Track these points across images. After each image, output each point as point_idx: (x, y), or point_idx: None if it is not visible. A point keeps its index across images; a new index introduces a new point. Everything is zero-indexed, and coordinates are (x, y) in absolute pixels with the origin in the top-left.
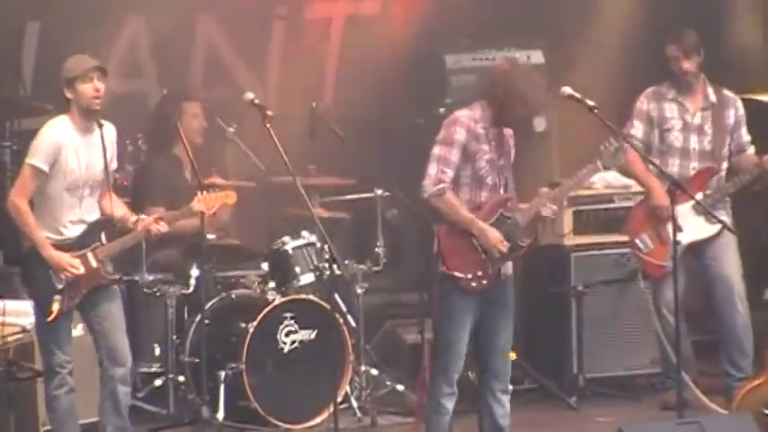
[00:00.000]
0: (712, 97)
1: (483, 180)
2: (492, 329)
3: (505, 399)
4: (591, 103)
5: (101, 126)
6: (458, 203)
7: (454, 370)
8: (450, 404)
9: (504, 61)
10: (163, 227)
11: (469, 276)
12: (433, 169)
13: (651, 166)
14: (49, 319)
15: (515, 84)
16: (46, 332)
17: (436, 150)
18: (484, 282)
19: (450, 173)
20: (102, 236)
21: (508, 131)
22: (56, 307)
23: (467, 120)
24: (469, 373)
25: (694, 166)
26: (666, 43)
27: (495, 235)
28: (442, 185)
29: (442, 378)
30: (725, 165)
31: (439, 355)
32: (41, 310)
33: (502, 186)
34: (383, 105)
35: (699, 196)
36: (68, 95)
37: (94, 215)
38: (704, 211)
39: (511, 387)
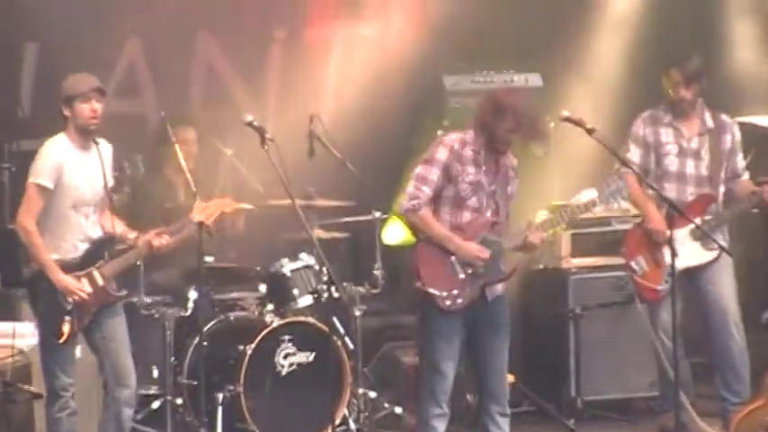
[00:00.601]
0: (709, 122)
1: (464, 202)
2: (485, 352)
3: (504, 422)
4: (589, 126)
5: (97, 144)
6: (433, 220)
7: (441, 391)
8: (440, 425)
9: (499, 88)
10: (165, 239)
11: (444, 294)
12: (410, 187)
13: (650, 191)
14: (61, 340)
15: (505, 112)
16: (50, 356)
17: (417, 169)
18: (459, 301)
19: (426, 190)
20: (106, 254)
21: (510, 161)
22: (66, 328)
23: (452, 141)
24: (468, 396)
25: (691, 191)
26: (670, 65)
27: (473, 246)
28: (415, 201)
29: (430, 399)
30: (722, 189)
31: (425, 377)
32: (51, 332)
33: (490, 210)
34: (382, 127)
35: (697, 221)
36: (66, 113)
37: (98, 233)
38: (702, 236)
39: (509, 410)
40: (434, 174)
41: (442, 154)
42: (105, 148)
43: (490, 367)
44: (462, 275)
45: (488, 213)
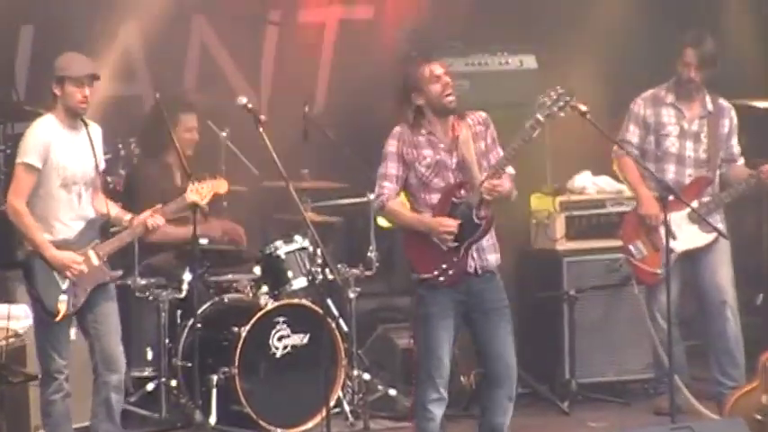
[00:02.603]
0: (709, 106)
1: (429, 184)
2: (485, 335)
3: (509, 406)
4: (583, 108)
5: (86, 125)
6: (400, 210)
7: (438, 375)
8: (438, 409)
9: (410, 69)
10: (159, 219)
11: (436, 272)
12: (376, 188)
13: (646, 172)
14: (57, 319)
15: (409, 79)
16: (45, 337)
17: (379, 169)
18: (450, 272)
19: (388, 185)
20: (100, 234)
21: (475, 116)
22: (62, 307)
23: (400, 130)
24: (462, 378)
25: (690, 173)
26: (684, 44)
27: (437, 220)
28: (380, 199)
29: (427, 383)
30: (718, 173)
31: (421, 361)
32: (47, 311)
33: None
34: (375, 109)
35: (694, 204)
36: (56, 92)
37: (91, 213)
38: (699, 219)
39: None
40: (391, 167)
41: (391, 146)
42: (95, 129)
43: (490, 351)
44: (445, 247)
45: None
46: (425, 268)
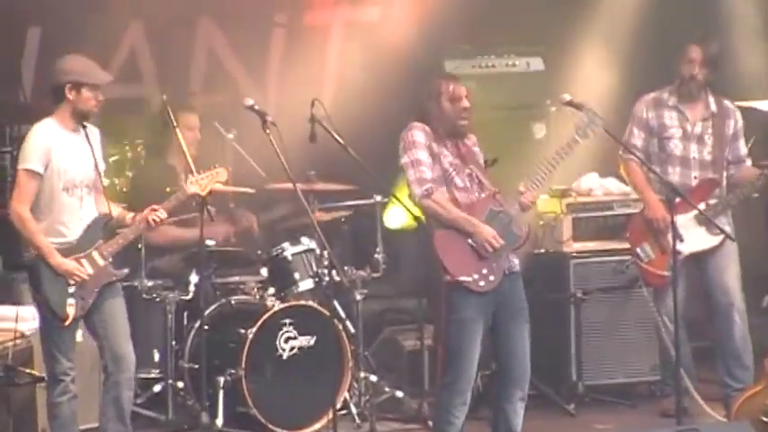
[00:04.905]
0: (713, 107)
1: (452, 181)
2: (506, 334)
3: (521, 407)
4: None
5: (85, 127)
6: (448, 203)
7: (465, 380)
8: (462, 414)
9: (434, 79)
10: (161, 213)
11: (476, 277)
12: (411, 175)
13: (652, 175)
14: (66, 323)
15: (436, 100)
16: (51, 340)
17: (404, 159)
18: (491, 278)
19: (427, 171)
20: (103, 235)
21: (469, 138)
22: (71, 311)
23: (420, 125)
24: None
25: (695, 175)
26: (690, 42)
27: (487, 230)
28: (427, 186)
29: (453, 387)
30: (724, 174)
31: (450, 366)
32: (55, 315)
33: (476, 188)
34: (382, 111)
35: (701, 207)
36: (69, 96)
37: (94, 215)
38: (706, 221)
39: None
40: (423, 155)
41: (418, 136)
42: (93, 131)
43: (509, 349)
44: (486, 253)
45: (476, 193)
46: (462, 271)
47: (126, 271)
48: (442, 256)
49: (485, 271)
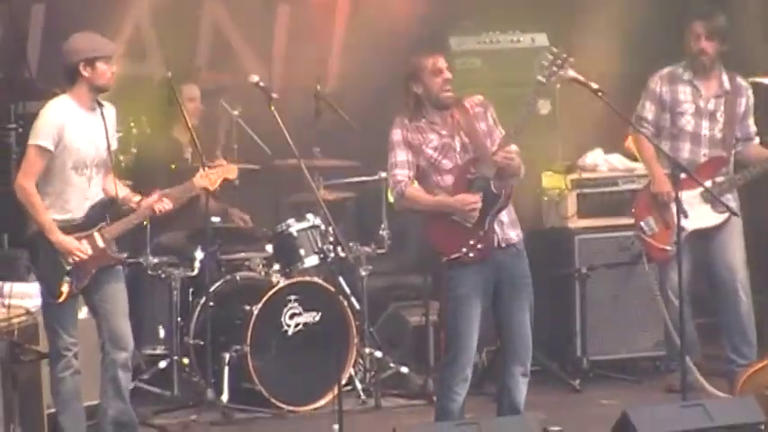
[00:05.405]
0: (726, 84)
1: (438, 166)
2: (508, 308)
3: (524, 382)
4: (595, 86)
5: (101, 106)
6: (419, 193)
7: (467, 356)
8: (463, 390)
9: (412, 58)
10: (167, 203)
11: (464, 250)
12: (390, 178)
13: (659, 150)
14: (60, 300)
15: (411, 67)
16: (52, 315)
17: (389, 160)
18: (479, 246)
19: (401, 172)
20: (107, 216)
21: (471, 100)
22: (65, 288)
23: (399, 119)
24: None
25: (705, 152)
26: (693, 18)
27: (459, 199)
28: (398, 187)
29: (454, 363)
30: (733, 152)
31: (450, 342)
32: (50, 292)
33: (468, 158)
34: (387, 88)
35: (708, 184)
36: (84, 73)
37: (100, 195)
38: (712, 198)
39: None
40: (401, 155)
41: (396, 135)
42: (109, 110)
43: (513, 326)
44: (469, 224)
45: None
46: (452, 248)
47: (125, 255)
48: (433, 239)
49: (472, 241)
